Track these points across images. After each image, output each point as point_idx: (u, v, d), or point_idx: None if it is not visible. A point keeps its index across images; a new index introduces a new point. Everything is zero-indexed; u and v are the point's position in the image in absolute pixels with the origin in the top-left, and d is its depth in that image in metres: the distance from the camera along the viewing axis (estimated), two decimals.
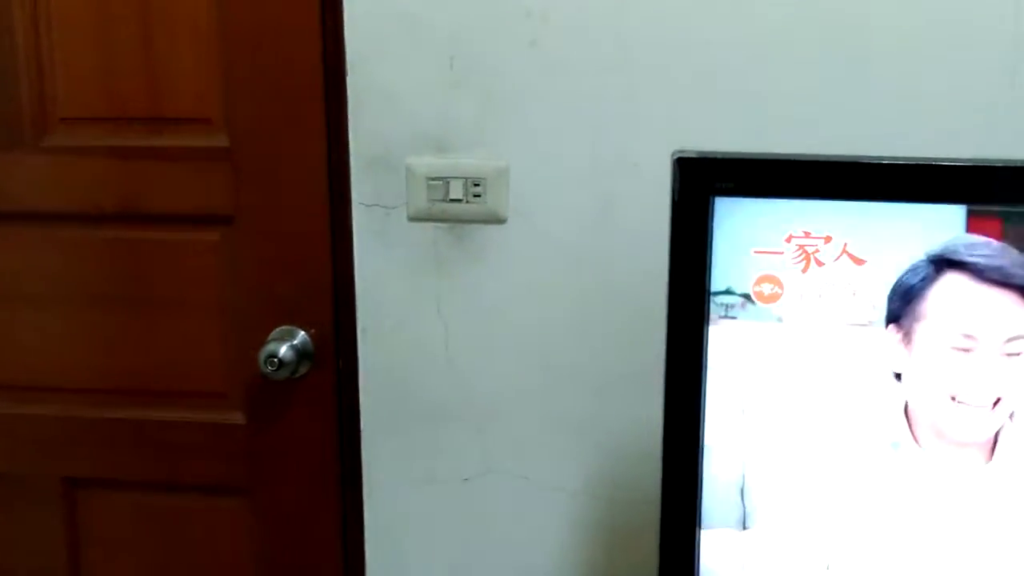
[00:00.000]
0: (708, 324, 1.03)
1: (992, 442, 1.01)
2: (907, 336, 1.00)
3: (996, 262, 0.97)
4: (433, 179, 1.45)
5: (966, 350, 0.98)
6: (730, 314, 1.03)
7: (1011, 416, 1.00)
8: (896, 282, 0.99)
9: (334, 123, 1.49)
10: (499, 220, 1.45)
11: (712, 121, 1.38)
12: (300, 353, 1.54)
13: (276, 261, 1.55)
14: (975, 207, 0.98)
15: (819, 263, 1.02)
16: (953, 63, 1.33)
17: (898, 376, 1.01)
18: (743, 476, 1.06)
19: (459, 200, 1.45)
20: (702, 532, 1.08)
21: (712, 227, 1.02)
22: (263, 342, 1.54)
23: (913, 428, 1.02)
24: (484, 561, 1.56)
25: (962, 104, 1.33)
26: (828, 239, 1.01)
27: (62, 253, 1.60)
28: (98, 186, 1.56)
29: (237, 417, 1.61)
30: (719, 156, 1.02)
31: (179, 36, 1.51)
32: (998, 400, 0.98)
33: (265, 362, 1.51)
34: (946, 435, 1.00)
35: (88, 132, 1.56)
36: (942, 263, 0.98)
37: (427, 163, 1.45)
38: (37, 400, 1.66)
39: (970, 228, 0.98)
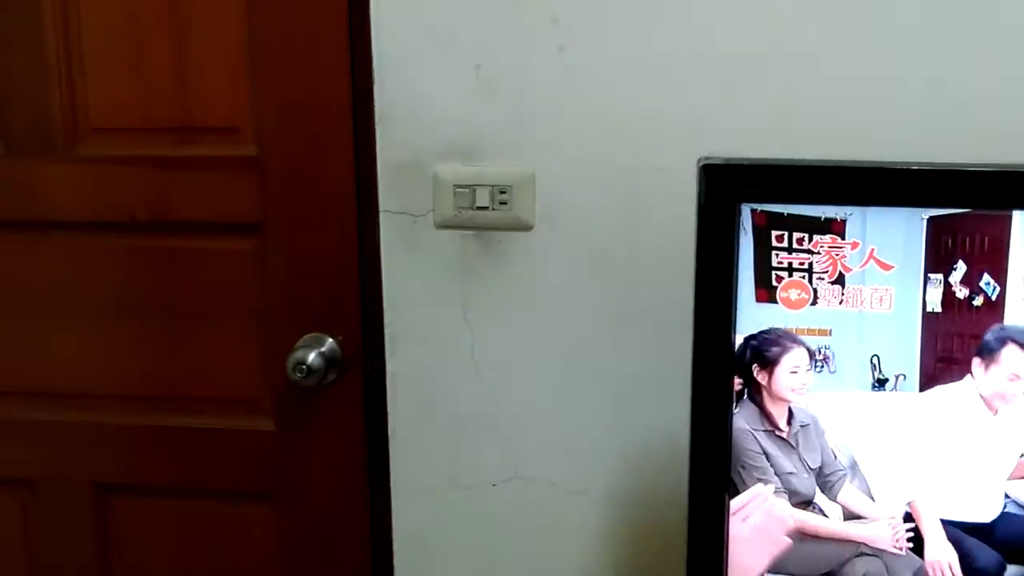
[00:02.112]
0: (735, 330, 1.04)
1: None
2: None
3: None
4: (460, 187, 1.46)
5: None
6: None
7: None
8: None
9: (361, 132, 1.50)
10: (525, 227, 1.46)
11: (739, 127, 1.38)
12: (328, 360, 1.55)
13: (304, 269, 1.56)
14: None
15: (846, 268, 1.02)
16: (982, 66, 1.32)
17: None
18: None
19: (486, 207, 1.46)
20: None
21: (738, 233, 1.02)
22: (291, 349, 1.55)
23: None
24: (511, 566, 1.56)
25: (993, 107, 1.33)
26: (855, 245, 1.02)
27: (93, 261, 1.62)
28: (129, 195, 1.58)
29: (266, 424, 1.62)
30: (745, 162, 1.03)
31: (209, 47, 1.52)
32: None
33: (294, 369, 1.53)
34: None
35: (119, 142, 1.57)
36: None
37: (454, 171, 1.46)
38: (68, 407, 1.68)
39: None
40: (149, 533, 1.70)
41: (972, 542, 1.06)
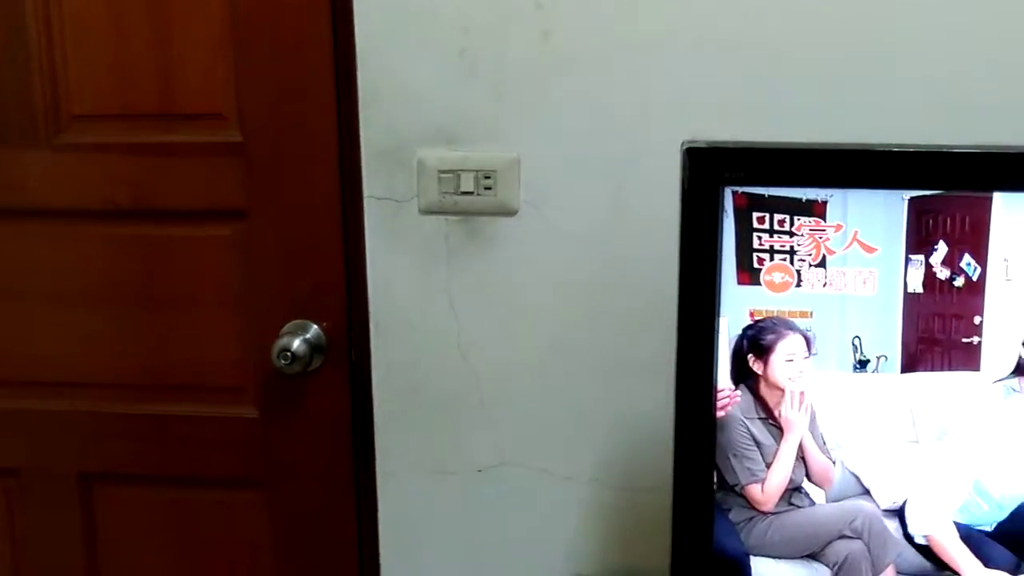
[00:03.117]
0: (719, 313, 1.04)
1: None
2: None
3: None
4: (444, 172, 1.46)
5: None
6: None
7: None
8: None
9: (345, 117, 1.49)
10: (510, 212, 1.46)
11: (723, 111, 1.38)
12: (313, 347, 1.55)
13: (289, 255, 1.55)
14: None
15: (830, 251, 1.02)
16: (964, 46, 1.33)
17: None
18: None
19: (470, 192, 1.46)
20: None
21: (722, 216, 1.02)
22: (276, 336, 1.55)
23: None
24: (498, 551, 1.57)
25: (976, 88, 1.33)
26: (839, 227, 1.02)
27: (77, 249, 1.61)
28: (112, 182, 1.57)
29: (251, 411, 1.62)
30: (729, 145, 1.03)
31: (190, 32, 1.51)
32: None
33: (278, 356, 1.52)
34: None
35: (101, 129, 1.57)
36: None
37: (438, 156, 1.46)
38: (52, 396, 1.67)
39: None
40: (135, 521, 1.69)
41: (983, 540, 1.06)
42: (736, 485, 1.08)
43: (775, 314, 1.04)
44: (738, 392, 1.07)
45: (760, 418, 1.08)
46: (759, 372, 1.06)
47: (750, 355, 1.06)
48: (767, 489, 1.08)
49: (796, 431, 1.07)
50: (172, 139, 1.55)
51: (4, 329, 1.66)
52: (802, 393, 1.06)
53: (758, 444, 1.08)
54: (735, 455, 1.08)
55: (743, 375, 1.07)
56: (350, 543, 1.64)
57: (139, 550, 1.71)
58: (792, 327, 1.04)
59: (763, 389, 1.07)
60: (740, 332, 1.05)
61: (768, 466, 1.08)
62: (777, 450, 1.07)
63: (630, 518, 1.51)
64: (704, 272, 1.03)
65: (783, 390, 1.07)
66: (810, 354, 1.05)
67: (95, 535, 1.71)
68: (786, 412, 1.07)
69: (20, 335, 1.65)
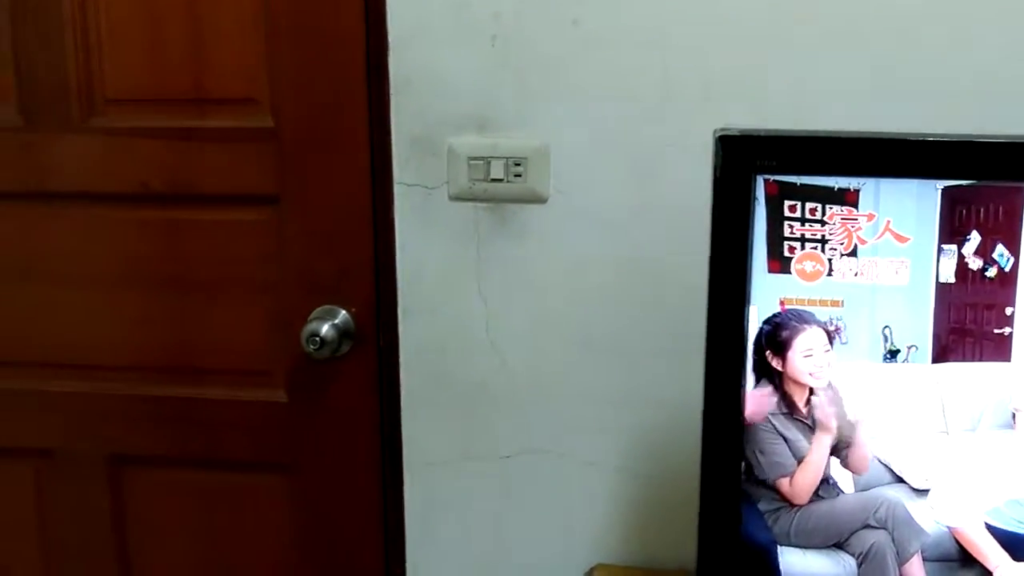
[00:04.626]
0: (749, 301, 1.03)
1: None
2: None
3: None
4: (474, 159, 1.46)
5: None
6: None
7: None
8: None
9: (376, 103, 1.50)
10: (540, 199, 1.46)
11: (754, 98, 1.37)
12: (342, 332, 1.56)
13: (319, 240, 1.56)
14: None
15: (861, 240, 1.02)
16: (1004, 35, 1.31)
17: None
18: None
19: (500, 180, 1.46)
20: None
21: (754, 204, 1.02)
22: (305, 321, 1.56)
23: None
24: (523, 537, 1.57)
25: (1012, 77, 1.32)
26: (871, 216, 1.01)
27: (109, 233, 1.62)
28: (144, 166, 1.58)
29: (279, 395, 1.63)
30: (761, 133, 1.02)
31: (224, 18, 1.52)
32: None
33: (307, 341, 1.53)
34: None
35: (135, 113, 1.58)
36: None
37: (468, 143, 1.46)
38: (83, 378, 1.69)
39: None
40: (163, 502, 1.71)
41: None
42: (765, 480, 1.08)
43: (805, 303, 1.03)
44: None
45: (784, 413, 1.07)
46: (779, 368, 1.06)
47: (768, 351, 1.05)
48: (796, 484, 1.07)
49: (829, 431, 1.06)
50: (205, 124, 1.56)
51: (36, 311, 1.67)
52: (836, 388, 1.05)
53: (785, 440, 1.07)
54: (762, 452, 1.07)
55: (765, 371, 1.06)
56: (376, 528, 1.65)
57: (166, 531, 1.72)
58: (809, 320, 1.03)
59: (786, 384, 1.06)
60: (757, 329, 1.04)
61: (799, 461, 1.07)
62: (810, 449, 1.07)
63: (655, 506, 1.51)
64: (735, 260, 1.02)
65: (806, 386, 1.06)
66: (832, 346, 1.03)
67: (124, 515, 1.73)
68: (818, 411, 1.06)
69: (52, 317, 1.67)
